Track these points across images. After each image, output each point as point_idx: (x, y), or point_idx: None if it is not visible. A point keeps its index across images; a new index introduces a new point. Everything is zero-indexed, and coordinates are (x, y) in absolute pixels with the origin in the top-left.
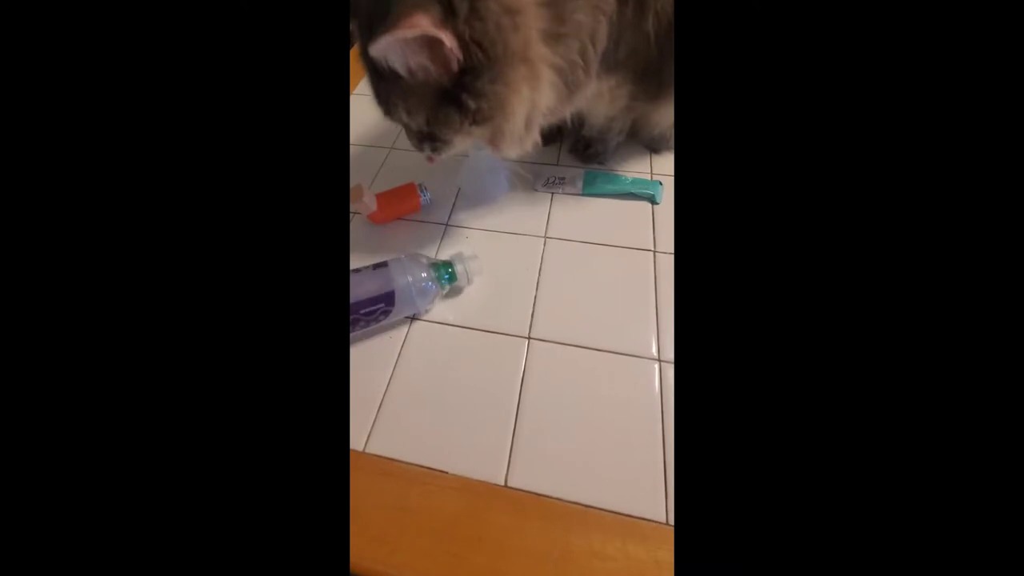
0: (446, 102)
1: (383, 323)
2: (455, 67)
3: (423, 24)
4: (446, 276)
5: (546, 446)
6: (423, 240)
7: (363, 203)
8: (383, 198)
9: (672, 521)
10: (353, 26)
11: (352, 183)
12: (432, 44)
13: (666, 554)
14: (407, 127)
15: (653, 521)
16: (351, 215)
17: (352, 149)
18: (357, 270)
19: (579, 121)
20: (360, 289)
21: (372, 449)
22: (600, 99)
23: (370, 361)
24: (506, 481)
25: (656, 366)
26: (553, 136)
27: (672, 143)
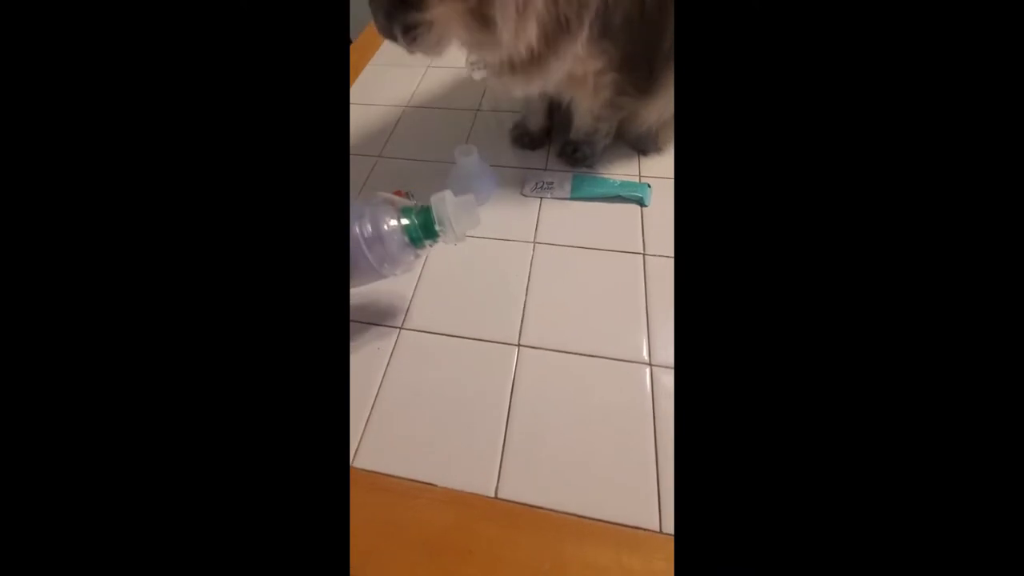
0: None
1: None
2: None
3: None
4: (416, 226)
5: (537, 456)
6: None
7: None
8: None
9: (666, 529)
10: None
11: None
12: None
13: (662, 563)
14: None
15: (647, 530)
16: None
17: None
18: None
19: (566, 121)
20: None
21: (360, 464)
22: (583, 86)
23: (357, 373)
24: (496, 492)
25: (647, 370)
26: (541, 141)
27: (659, 143)
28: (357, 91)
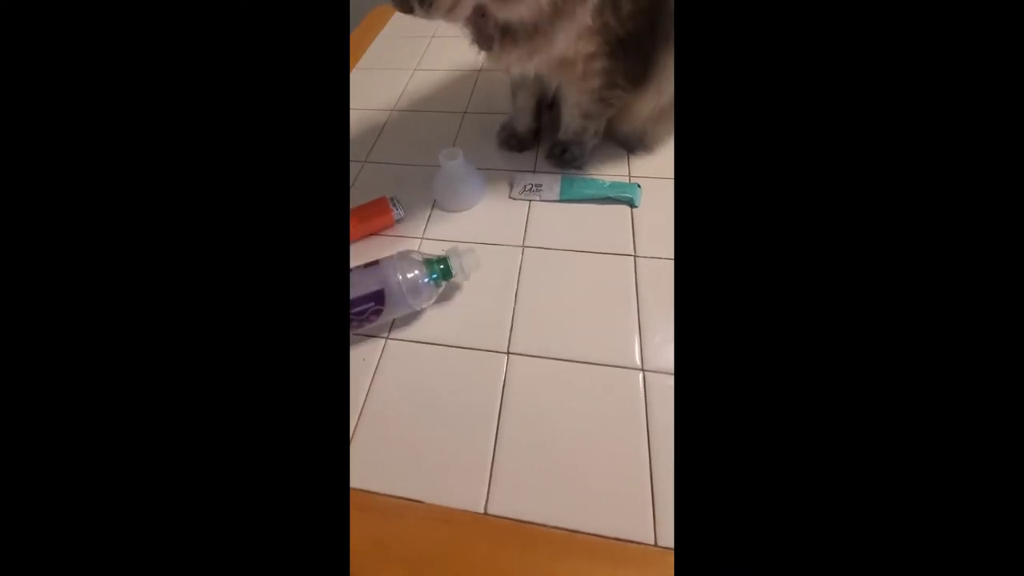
0: None
1: (376, 323)
2: None
3: None
4: (438, 272)
5: (527, 469)
6: None
7: None
8: (354, 215)
9: (662, 542)
10: None
11: None
12: None
13: None
14: None
15: (642, 543)
16: None
17: None
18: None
19: (555, 122)
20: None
21: None
22: (572, 70)
23: None
24: (486, 508)
25: (640, 376)
26: (529, 143)
27: (648, 142)
28: None
